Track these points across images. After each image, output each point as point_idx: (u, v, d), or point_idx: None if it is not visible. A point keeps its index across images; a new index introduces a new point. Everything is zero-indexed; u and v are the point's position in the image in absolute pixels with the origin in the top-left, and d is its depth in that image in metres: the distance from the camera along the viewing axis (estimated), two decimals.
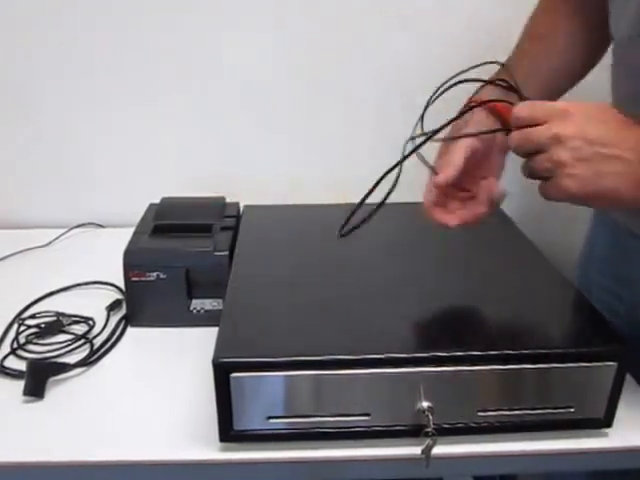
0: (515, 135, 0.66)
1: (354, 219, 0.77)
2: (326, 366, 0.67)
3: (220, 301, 0.89)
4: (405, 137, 1.20)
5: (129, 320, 0.92)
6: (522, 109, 0.65)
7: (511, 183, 1.26)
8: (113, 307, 0.94)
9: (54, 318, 0.91)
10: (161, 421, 0.74)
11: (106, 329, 0.90)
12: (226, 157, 1.21)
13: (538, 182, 0.66)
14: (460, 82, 0.74)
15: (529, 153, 0.65)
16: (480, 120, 0.76)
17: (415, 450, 0.68)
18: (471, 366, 0.67)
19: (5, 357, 0.84)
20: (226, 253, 0.90)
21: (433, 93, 0.76)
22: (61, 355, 0.84)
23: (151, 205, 1.05)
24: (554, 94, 0.83)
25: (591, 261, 0.96)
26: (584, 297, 0.79)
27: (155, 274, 0.89)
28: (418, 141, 0.73)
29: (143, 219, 1.00)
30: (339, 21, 1.13)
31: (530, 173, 0.66)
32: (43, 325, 0.90)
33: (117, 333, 0.90)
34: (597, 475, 0.83)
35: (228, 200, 1.08)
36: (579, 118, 0.62)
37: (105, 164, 1.21)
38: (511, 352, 0.68)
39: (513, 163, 1.22)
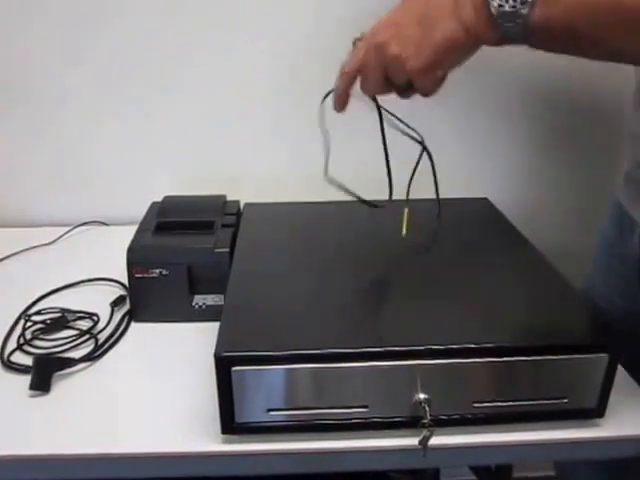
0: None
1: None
2: (325, 359, 0.68)
3: (221, 297, 0.90)
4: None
5: (133, 315, 0.93)
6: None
7: (506, 182, 1.28)
8: (117, 303, 0.95)
9: (59, 314, 0.92)
10: (164, 414, 0.75)
11: (110, 324, 0.91)
12: (227, 156, 1.21)
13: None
14: None
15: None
16: None
17: (412, 441, 0.69)
18: (467, 359, 0.69)
19: (12, 352, 0.85)
20: (227, 250, 0.91)
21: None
22: (66, 350, 0.85)
23: (154, 203, 1.06)
24: None
25: (602, 246, 0.97)
26: (576, 290, 0.80)
27: (158, 271, 0.90)
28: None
29: (146, 217, 1.02)
30: (338, 22, 1.13)
31: (398, 92, 0.72)
32: (49, 321, 0.91)
33: (121, 328, 0.91)
34: (591, 464, 0.84)
35: (229, 198, 1.09)
36: (382, 22, 0.68)
37: (108, 164, 1.22)
38: (506, 345, 0.69)
39: (508, 159, 1.24)
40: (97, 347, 0.86)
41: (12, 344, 0.87)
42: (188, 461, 0.72)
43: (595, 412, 0.72)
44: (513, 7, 0.59)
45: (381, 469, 0.77)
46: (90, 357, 0.84)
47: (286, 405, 0.70)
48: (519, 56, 1.15)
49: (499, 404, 0.71)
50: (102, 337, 0.88)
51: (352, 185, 0.86)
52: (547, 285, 0.82)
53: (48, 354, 0.85)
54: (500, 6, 0.60)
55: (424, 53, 0.65)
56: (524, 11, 0.59)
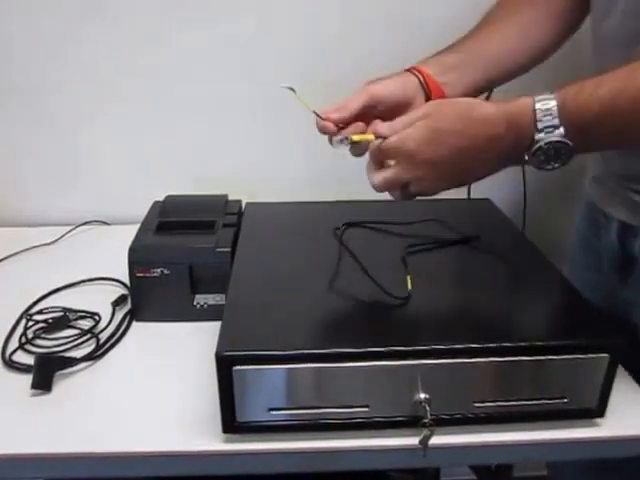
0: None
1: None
2: (326, 359, 0.68)
3: (223, 296, 0.91)
4: None
5: (134, 315, 0.94)
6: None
7: (509, 183, 1.28)
8: (118, 302, 0.96)
9: (61, 313, 0.93)
10: (165, 413, 0.75)
11: (112, 324, 0.91)
12: (228, 155, 1.22)
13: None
14: None
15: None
16: (405, 80, 0.80)
17: (413, 440, 0.69)
18: (467, 358, 0.69)
19: (13, 352, 0.85)
20: (228, 249, 0.91)
21: None
22: (68, 349, 0.86)
23: (155, 203, 1.06)
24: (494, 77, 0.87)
25: (577, 244, 1.00)
26: (577, 291, 0.80)
27: (159, 270, 0.90)
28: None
29: (147, 217, 1.02)
30: (339, 19, 1.14)
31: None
32: (50, 320, 0.91)
33: (122, 328, 0.91)
34: (591, 464, 0.84)
35: (230, 198, 1.09)
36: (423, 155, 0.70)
37: (110, 163, 1.22)
38: (507, 345, 0.69)
39: None
40: (98, 346, 0.87)
41: (14, 343, 0.87)
42: (189, 460, 0.72)
43: (595, 412, 0.72)
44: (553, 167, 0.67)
45: (382, 468, 0.77)
46: (91, 356, 0.85)
47: (287, 404, 0.70)
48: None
49: (499, 404, 0.71)
50: (103, 336, 0.89)
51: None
52: (549, 285, 0.82)
53: (50, 353, 0.85)
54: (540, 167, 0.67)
55: (448, 187, 0.72)
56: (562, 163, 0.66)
